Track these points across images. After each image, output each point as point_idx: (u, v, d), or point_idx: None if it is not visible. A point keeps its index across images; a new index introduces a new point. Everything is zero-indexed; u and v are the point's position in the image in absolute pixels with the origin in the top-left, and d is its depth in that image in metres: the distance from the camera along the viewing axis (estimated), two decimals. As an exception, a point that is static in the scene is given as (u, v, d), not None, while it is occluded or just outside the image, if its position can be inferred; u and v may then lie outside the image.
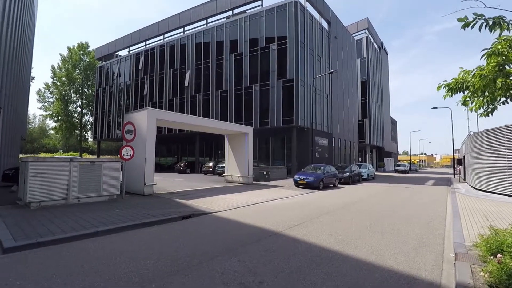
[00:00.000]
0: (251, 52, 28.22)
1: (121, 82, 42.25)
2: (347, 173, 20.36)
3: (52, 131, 68.99)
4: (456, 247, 5.14)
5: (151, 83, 37.45)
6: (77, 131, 58.96)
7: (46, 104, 56.14)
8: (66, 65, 57.15)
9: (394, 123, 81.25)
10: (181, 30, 35.59)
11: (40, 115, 71.56)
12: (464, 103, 4.48)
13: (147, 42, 40.09)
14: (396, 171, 44.19)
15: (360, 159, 41.80)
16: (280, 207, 9.66)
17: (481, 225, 6.82)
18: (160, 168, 38.74)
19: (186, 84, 33.01)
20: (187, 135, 33.56)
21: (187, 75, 33.11)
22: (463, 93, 4.34)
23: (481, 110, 4.42)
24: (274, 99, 26.28)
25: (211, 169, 26.38)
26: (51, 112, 55.34)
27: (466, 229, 6.49)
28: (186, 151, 36.83)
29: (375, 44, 54.58)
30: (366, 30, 50.36)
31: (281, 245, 5.20)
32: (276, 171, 22.01)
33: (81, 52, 58.50)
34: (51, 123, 62.45)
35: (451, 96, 4.37)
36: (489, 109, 4.30)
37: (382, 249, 5.10)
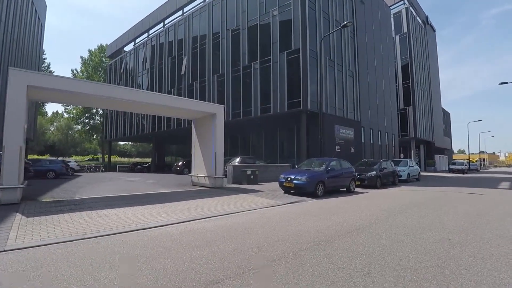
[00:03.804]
0: (250, 24, 22.74)
1: (128, 78, 39.66)
2: (373, 172, 13.78)
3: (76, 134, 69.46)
4: None
5: (152, 75, 33.92)
6: (100, 133, 58.96)
7: (69, 107, 56.79)
8: (87, 68, 57.35)
9: (446, 115, 69.03)
10: (180, 13, 31.50)
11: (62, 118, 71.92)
12: None
13: (150, 32, 36.88)
14: (451, 170, 34.79)
15: (401, 155, 33.56)
16: (165, 245, 4.10)
17: None
18: (168, 169, 35.11)
19: (182, 72, 28.64)
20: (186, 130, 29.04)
21: (184, 61, 28.74)
22: None
23: None
24: (277, 77, 20.41)
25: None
26: (72, 115, 55.80)
27: None
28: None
29: (418, 18, 45.32)
30: (406, 1, 41.64)
31: None
32: (274, 170, 16.18)
33: (102, 54, 58.50)
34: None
35: None
36: None
37: None
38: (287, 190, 10.42)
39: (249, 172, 13.53)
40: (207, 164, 12.10)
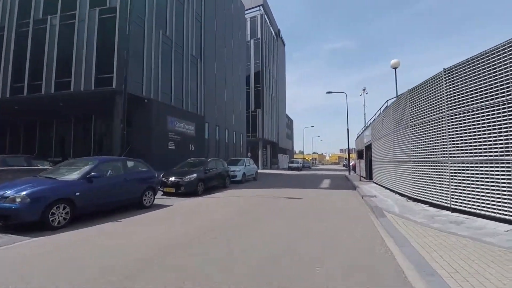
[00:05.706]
0: (49, -41, 15.49)
1: None
2: (194, 175, 10.62)
3: None
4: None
5: None
6: None
7: None
8: None
9: (290, 121, 79.94)
10: None
11: None
12: None
13: None
14: (290, 168, 39.61)
15: (249, 154, 34.07)
16: None
17: None
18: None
19: None
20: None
21: None
22: None
23: None
24: (83, 41, 14.41)
25: None
26: None
27: None
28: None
29: (271, 28, 48.83)
30: (261, 7, 43.67)
31: None
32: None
33: None
34: None
35: None
36: None
37: None
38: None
39: (-39, 181, 7.31)
40: None
